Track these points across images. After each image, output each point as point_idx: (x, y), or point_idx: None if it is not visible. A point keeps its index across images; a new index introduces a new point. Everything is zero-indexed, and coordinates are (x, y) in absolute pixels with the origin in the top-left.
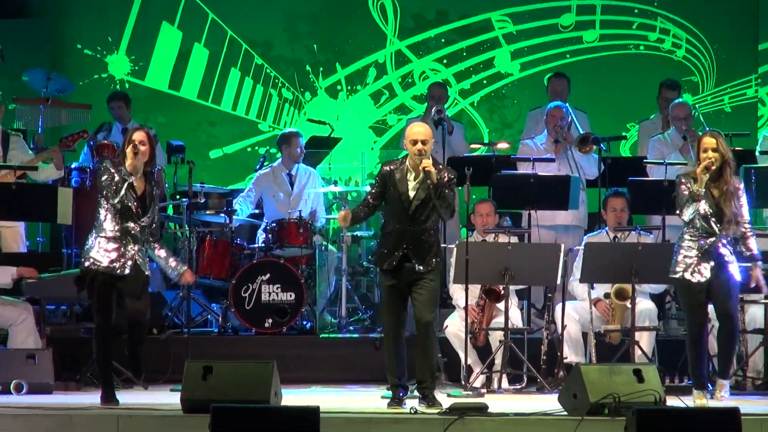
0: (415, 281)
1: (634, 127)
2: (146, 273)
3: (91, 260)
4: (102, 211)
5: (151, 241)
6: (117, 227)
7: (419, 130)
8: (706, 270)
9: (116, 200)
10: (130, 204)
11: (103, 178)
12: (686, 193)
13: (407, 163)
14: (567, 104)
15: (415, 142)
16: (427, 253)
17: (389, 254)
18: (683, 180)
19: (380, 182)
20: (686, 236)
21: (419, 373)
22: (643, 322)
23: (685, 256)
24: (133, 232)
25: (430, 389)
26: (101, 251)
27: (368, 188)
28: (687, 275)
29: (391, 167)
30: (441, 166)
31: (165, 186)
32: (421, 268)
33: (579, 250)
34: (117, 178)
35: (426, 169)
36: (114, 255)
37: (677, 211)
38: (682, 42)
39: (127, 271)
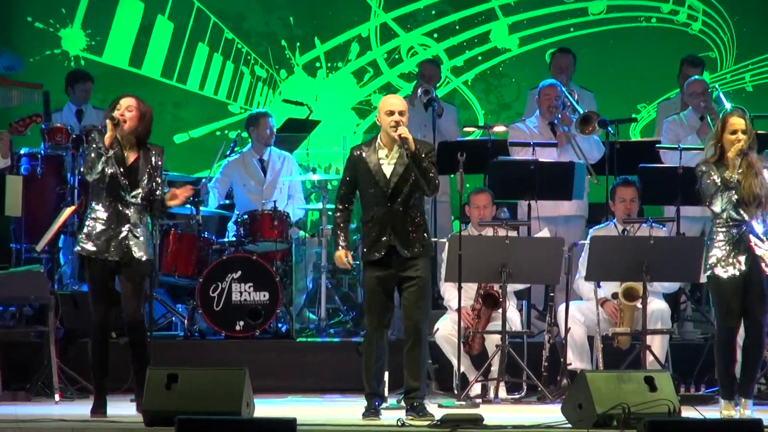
0: (403, 276)
1: (644, 108)
2: (142, 257)
3: (80, 246)
4: (91, 190)
5: (156, 215)
6: (107, 207)
7: (394, 101)
8: (739, 263)
9: (92, 177)
10: (117, 177)
11: (88, 150)
12: (716, 182)
13: (379, 140)
14: (561, 82)
15: (391, 113)
16: (414, 236)
17: (375, 242)
18: (704, 169)
19: (351, 169)
20: (715, 228)
21: (408, 380)
22: (655, 325)
23: (716, 250)
24: (122, 209)
25: (420, 399)
26: (91, 234)
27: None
28: (718, 270)
29: (360, 150)
30: (416, 141)
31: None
32: (407, 252)
33: (584, 244)
34: (94, 153)
35: (402, 136)
36: (102, 238)
37: (706, 203)
38: (698, 14)
39: (116, 257)
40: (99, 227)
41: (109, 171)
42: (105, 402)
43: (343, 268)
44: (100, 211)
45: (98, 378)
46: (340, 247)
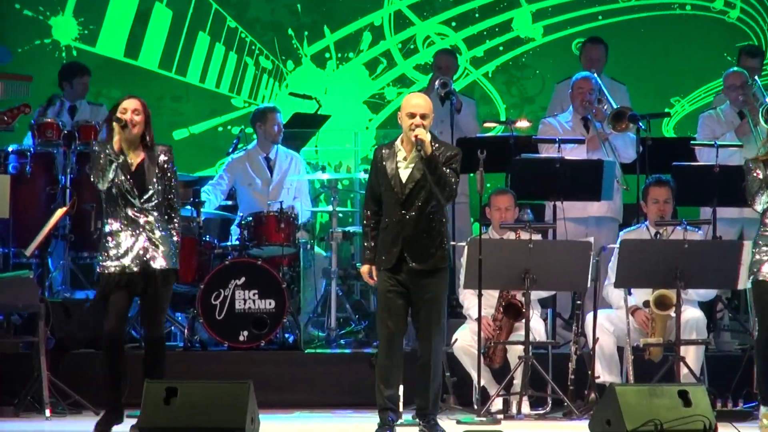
0: (415, 291)
1: (678, 102)
2: (164, 266)
3: (101, 266)
4: (104, 203)
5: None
6: (119, 219)
7: (418, 102)
8: None
9: (105, 185)
10: (123, 184)
11: (92, 162)
12: (757, 179)
13: (399, 141)
14: (597, 76)
15: (412, 116)
16: (428, 248)
17: (386, 251)
18: (752, 165)
19: (373, 170)
20: (762, 230)
21: (420, 398)
22: (689, 335)
23: (763, 254)
24: (136, 218)
25: (432, 415)
26: (110, 252)
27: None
28: (761, 275)
29: (381, 150)
30: (439, 144)
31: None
32: (417, 266)
33: (614, 248)
34: (103, 160)
35: (419, 138)
36: (121, 251)
37: (749, 201)
38: (736, 1)
39: (135, 268)
40: (116, 241)
41: (115, 180)
42: (111, 419)
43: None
44: (115, 225)
45: (110, 392)
46: (366, 262)
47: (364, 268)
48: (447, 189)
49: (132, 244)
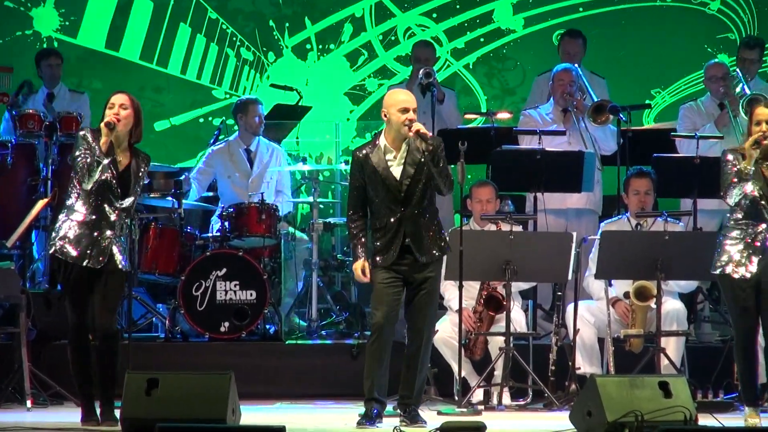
0: (415, 280)
1: (659, 94)
2: (121, 267)
3: (57, 246)
4: (73, 189)
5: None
6: (90, 209)
7: (406, 98)
8: (753, 264)
9: (89, 186)
10: (109, 182)
11: (77, 154)
12: (733, 171)
13: (384, 139)
14: (578, 67)
15: (405, 111)
16: (428, 240)
17: (385, 249)
18: (729, 156)
19: (358, 173)
20: (731, 223)
21: (404, 387)
22: (670, 326)
23: (729, 247)
24: (108, 215)
25: (414, 405)
26: (70, 237)
27: (347, 181)
28: (729, 270)
29: (364, 151)
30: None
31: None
32: (423, 258)
33: (594, 239)
34: (90, 159)
35: (421, 132)
36: (85, 242)
37: (721, 193)
38: None
39: (96, 264)
40: (79, 230)
41: (102, 176)
42: (95, 410)
43: (361, 282)
44: (83, 213)
45: (82, 386)
46: (359, 259)
47: (357, 265)
48: (449, 179)
49: (95, 240)
